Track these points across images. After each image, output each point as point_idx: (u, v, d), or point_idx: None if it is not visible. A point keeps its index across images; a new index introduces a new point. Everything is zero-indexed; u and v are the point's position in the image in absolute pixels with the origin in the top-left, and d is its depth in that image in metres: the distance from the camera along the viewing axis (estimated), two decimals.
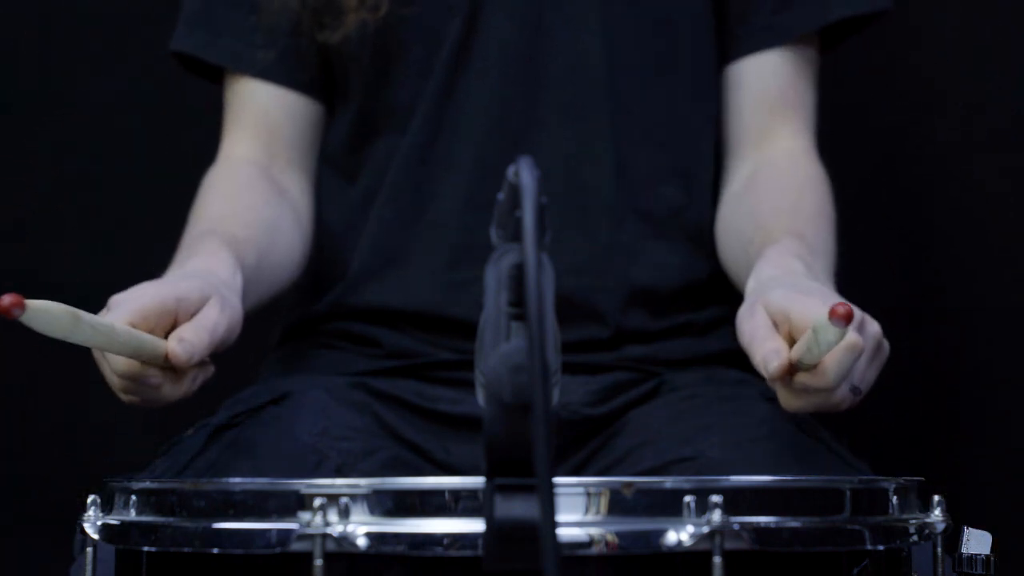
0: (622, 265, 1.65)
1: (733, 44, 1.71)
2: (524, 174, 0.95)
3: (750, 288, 1.45)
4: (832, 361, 1.27)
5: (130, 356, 1.34)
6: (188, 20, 1.74)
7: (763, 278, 1.44)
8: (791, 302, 1.32)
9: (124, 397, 1.39)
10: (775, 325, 1.33)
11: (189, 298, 1.38)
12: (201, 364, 1.40)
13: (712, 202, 1.71)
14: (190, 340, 1.35)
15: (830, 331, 1.21)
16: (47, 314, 1.21)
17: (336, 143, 1.74)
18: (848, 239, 1.63)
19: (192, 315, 1.38)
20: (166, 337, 1.36)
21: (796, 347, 1.28)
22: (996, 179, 2.03)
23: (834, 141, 1.74)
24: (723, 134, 1.73)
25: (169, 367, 1.37)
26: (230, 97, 1.75)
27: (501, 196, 1.00)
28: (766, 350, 1.30)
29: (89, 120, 2.14)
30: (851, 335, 1.27)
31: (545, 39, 1.67)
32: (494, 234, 1.00)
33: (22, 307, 1.16)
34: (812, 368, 1.28)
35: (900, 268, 2.05)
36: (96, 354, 1.39)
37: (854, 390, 1.33)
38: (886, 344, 1.37)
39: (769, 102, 1.71)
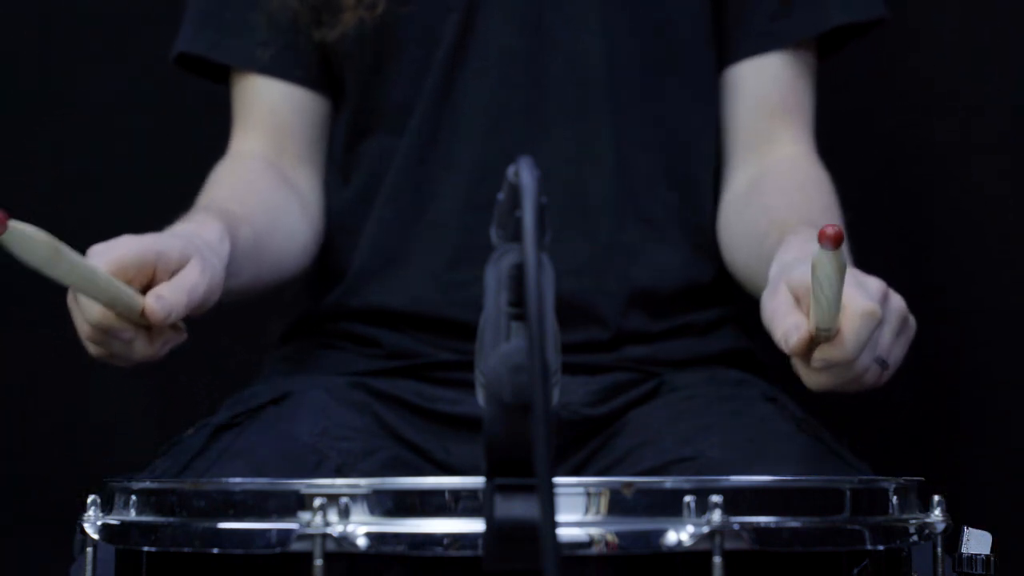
0: (622, 267, 1.65)
1: (732, 47, 1.71)
2: (524, 174, 0.95)
3: (773, 273, 1.43)
4: (849, 330, 1.26)
5: (105, 304, 1.33)
6: (193, 22, 1.74)
7: (786, 261, 1.43)
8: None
9: (92, 349, 1.38)
10: (797, 300, 1.32)
11: (169, 254, 1.37)
12: (175, 327, 1.39)
13: (713, 204, 1.71)
14: (168, 298, 1.34)
15: (825, 262, 1.19)
16: (28, 240, 1.21)
17: (336, 141, 1.74)
18: (849, 239, 1.63)
19: (172, 273, 1.37)
20: (143, 292, 1.35)
21: (811, 311, 1.27)
22: (996, 180, 2.03)
23: (835, 143, 1.74)
24: (723, 138, 1.72)
25: (143, 324, 1.36)
26: (237, 95, 1.75)
27: (501, 196, 1.00)
28: (787, 325, 1.29)
29: (89, 120, 2.14)
30: (867, 303, 1.26)
31: (544, 39, 1.66)
32: (494, 234, 1.00)
33: (4, 226, 1.16)
34: (830, 339, 1.27)
35: (900, 268, 2.04)
36: (70, 300, 1.38)
37: (880, 362, 1.31)
38: (912, 319, 1.36)
39: (770, 107, 1.70)
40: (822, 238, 1.16)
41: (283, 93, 1.72)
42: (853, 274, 1.31)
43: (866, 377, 1.32)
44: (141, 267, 1.35)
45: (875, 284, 1.32)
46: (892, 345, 1.33)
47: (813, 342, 1.28)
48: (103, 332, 1.35)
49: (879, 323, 1.28)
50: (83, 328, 1.37)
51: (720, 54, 1.71)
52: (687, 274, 1.68)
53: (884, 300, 1.31)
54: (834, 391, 1.35)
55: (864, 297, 1.27)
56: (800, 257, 1.41)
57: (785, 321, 1.29)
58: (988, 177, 2.03)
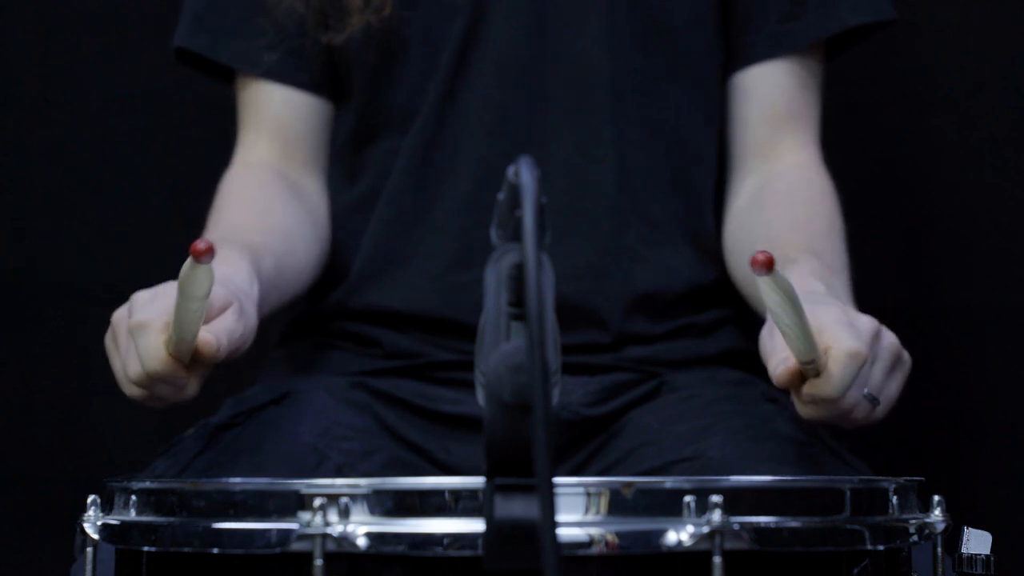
0: (625, 270, 1.65)
1: (740, 53, 1.71)
2: (524, 173, 0.95)
3: None
4: (835, 370, 1.29)
5: (182, 340, 1.33)
6: (195, 18, 1.73)
7: None
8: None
9: (135, 391, 1.38)
10: None
11: (213, 302, 1.38)
12: (201, 372, 1.40)
13: (715, 207, 1.71)
14: (215, 332, 1.36)
15: (768, 289, 1.19)
16: (207, 273, 1.21)
17: (339, 142, 1.74)
18: (848, 239, 1.63)
19: (211, 320, 1.38)
20: None
21: (787, 343, 1.29)
22: (996, 179, 2.03)
23: (834, 141, 1.74)
24: (729, 143, 1.72)
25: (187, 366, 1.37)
26: (242, 99, 1.74)
27: (501, 196, 1.00)
28: (776, 360, 1.33)
29: (89, 120, 2.14)
30: (853, 343, 1.29)
31: (548, 43, 1.66)
32: (494, 234, 1.00)
33: (212, 255, 1.16)
34: (818, 373, 1.30)
35: (900, 268, 2.05)
36: (110, 344, 1.39)
37: (870, 399, 1.34)
38: (906, 356, 1.39)
39: (776, 113, 1.70)
40: (754, 264, 1.15)
41: (288, 98, 1.72)
42: (845, 312, 1.34)
43: (856, 413, 1.35)
44: None
45: (866, 323, 1.35)
46: (884, 382, 1.36)
47: (803, 376, 1.32)
48: (155, 379, 1.35)
49: (865, 362, 1.30)
50: (135, 371, 1.36)
51: (728, 59, 1.71)
52: (689, 277, 1.67)
53: (876, 338, 1.34)
54: (828, 423, 1.37)
55: (851, 337, 1.30)
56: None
57: (777, 355, 1.33)
58: (989, 174, 2.03)
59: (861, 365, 1.30)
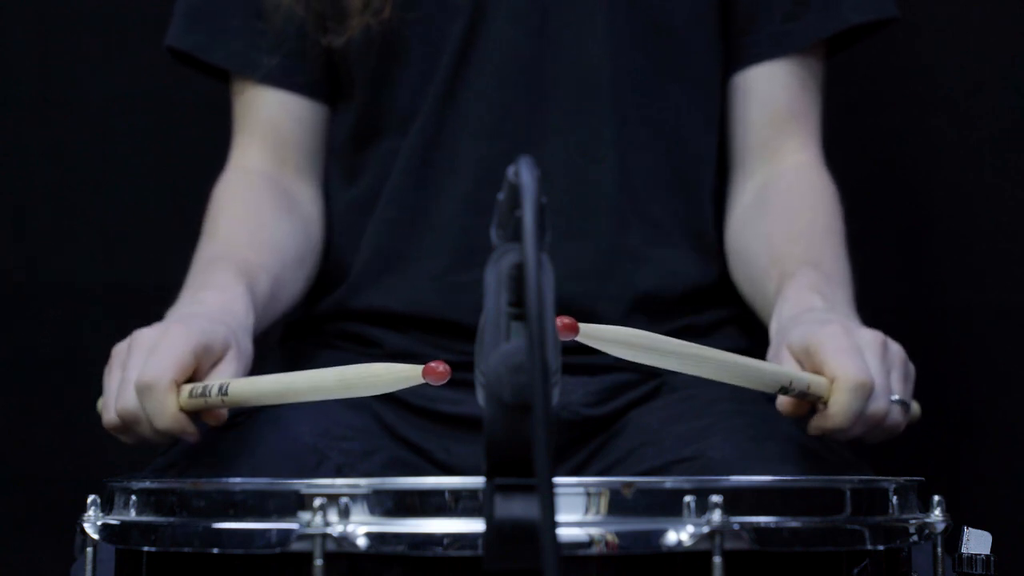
0: (626, 271, 1.65)
1: (741, 53, 1.71)
2: (524, 173, 0.95)
3: (773, 330, 1.47)
4: (837, 403, 1.32)
5: (237, 404, 1.36)
6: (187, 17, 1.73)
7: (784, 320, 1.46)
8: (809, 338, 1.36)
9: (117, 419, 1.40)
10: (800, 364, 1.35)
11: (213, 348, 1.41)
12: None
13: (717, 207, 1.71)
14: None
15: (603, 348, 1.22)
16: (402, 383, 1.26)
17: (339, 143, 1.74)
18: (849, 239, 1.63)
19: (212, 363, 1.41)
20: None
21: None
22: (996, 179, 2.03)
23: (834, 141, 1.74)
24: (730, 144, 1.72)
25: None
26: (237, 102, 1.74)
27: (501, 196, 1.00)
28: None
29: (90, 119, 2.14)
30: (858, 375, 1.31)
31: (549, 42, 1.66)
32: (494, 234, 1.00)
33: (446, 378, 1.21)
34: (824, 404, 1.33)
35: (900, 268, 2.05)
36: (106, 374, 1.41)
37: (901, 404, 1.36)
38: (911, 365, 1.41)
39: (778, 114, 1.70)
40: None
41: (284, 103, 1.72)
42: (847, 332, 1.35)
43: (889, 421, 1.37)
44: (197, 364, 1.39)
45: (870, 338, 1.37)
46: (904, 386, 1.37)
47: (809, 406, 1.35)
48: (165, 436, 1.39)
49: (872, 392, 1.33)
50: (125, 406, 1.38)
51: (729, 59, 1.71)
52: (690, 278, 1.67)
53: (884, 348, 1.35)
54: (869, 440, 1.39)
55: (857, 368, 1.32)
56: (796, 314, 1.44)
57: None
58: (989, 174, 2.03)
59: (868, 395, 1.32)
